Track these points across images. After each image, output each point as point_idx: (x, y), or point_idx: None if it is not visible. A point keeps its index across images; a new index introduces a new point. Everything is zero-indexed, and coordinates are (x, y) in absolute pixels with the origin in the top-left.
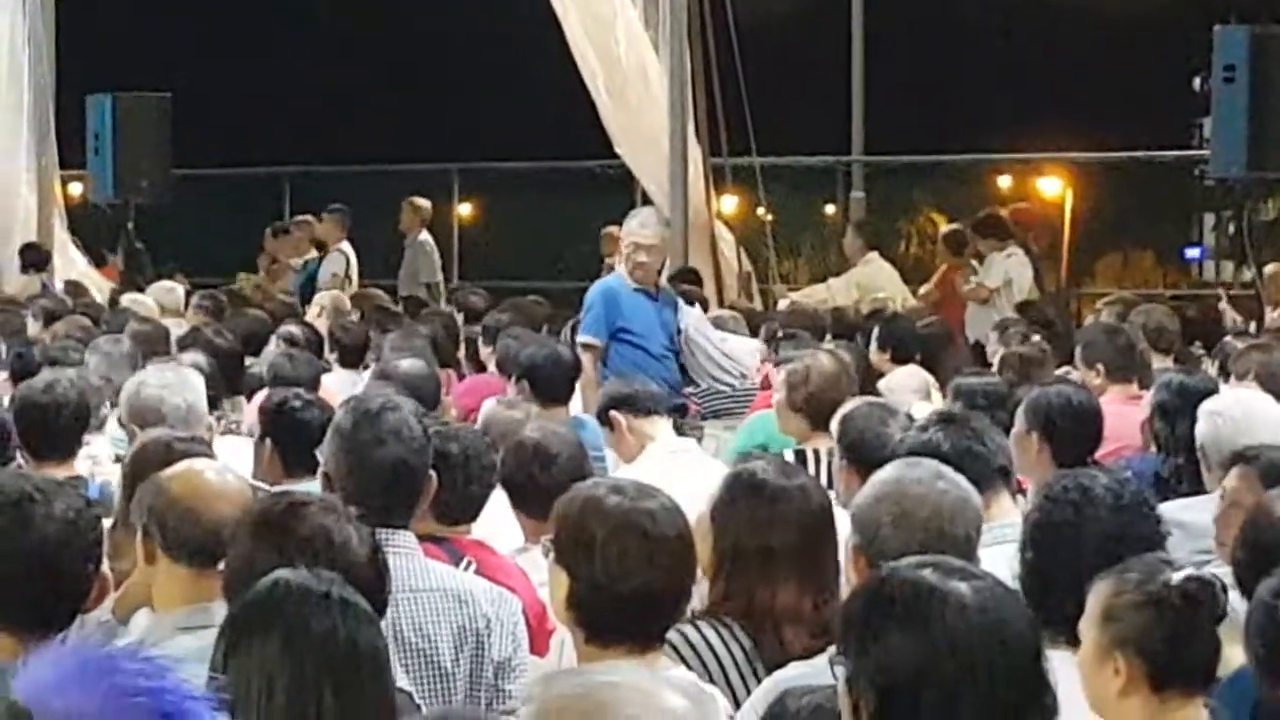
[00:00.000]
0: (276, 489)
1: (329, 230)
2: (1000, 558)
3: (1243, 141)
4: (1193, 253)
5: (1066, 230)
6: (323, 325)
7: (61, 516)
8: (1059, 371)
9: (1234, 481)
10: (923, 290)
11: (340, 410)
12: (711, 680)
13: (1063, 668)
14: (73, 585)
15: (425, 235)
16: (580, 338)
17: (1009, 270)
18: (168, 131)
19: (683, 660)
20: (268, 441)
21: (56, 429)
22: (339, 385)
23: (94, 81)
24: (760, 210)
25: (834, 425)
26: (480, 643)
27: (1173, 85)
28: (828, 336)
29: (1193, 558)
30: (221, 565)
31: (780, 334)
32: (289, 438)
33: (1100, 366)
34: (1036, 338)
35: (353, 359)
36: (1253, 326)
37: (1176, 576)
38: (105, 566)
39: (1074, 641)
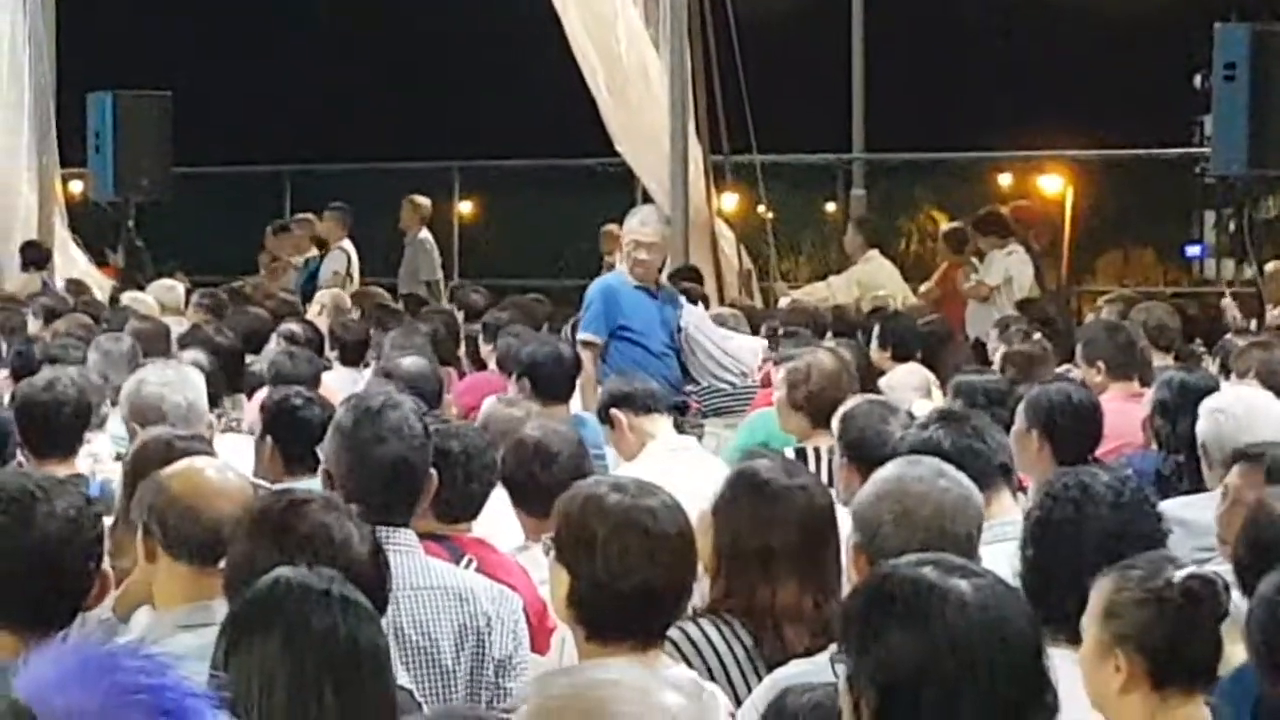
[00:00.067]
0: (277, 487)
1: (330, 228)
2: (1001, 555)
3: (1243, 139)
4: (1193, 250)
5: (1067, 228)
6: (323, 323)
7: (63, 514)
8: (1060, 369)
9: (1236, 479)
10: (924, 288)
11: (341, 408)
12: (712, 678)
13: (1063, 665)
14: (74, 583)
15: (425, 233)
16: (580, 335)
17: (1009, 268)
18: (168, 130)
19: (684, 658)
20: (269, 439)
21: (57, 427)
22: (339, 383)
23: (95, 80)
24: (761, 208)
25: (835, 423)
26: (481, 641)
27: (1173, 83)
28: (828, 334)
29: (1194, 555)
30: (222, 563)
31: (781, 332)
32: (290, 435)
33: (1101, 364)
34: (1037, 335)
35: (353, 357)
36: (1253, 324)
37: (1179, 574)
38: (106, 564)
39: (1075, 639)
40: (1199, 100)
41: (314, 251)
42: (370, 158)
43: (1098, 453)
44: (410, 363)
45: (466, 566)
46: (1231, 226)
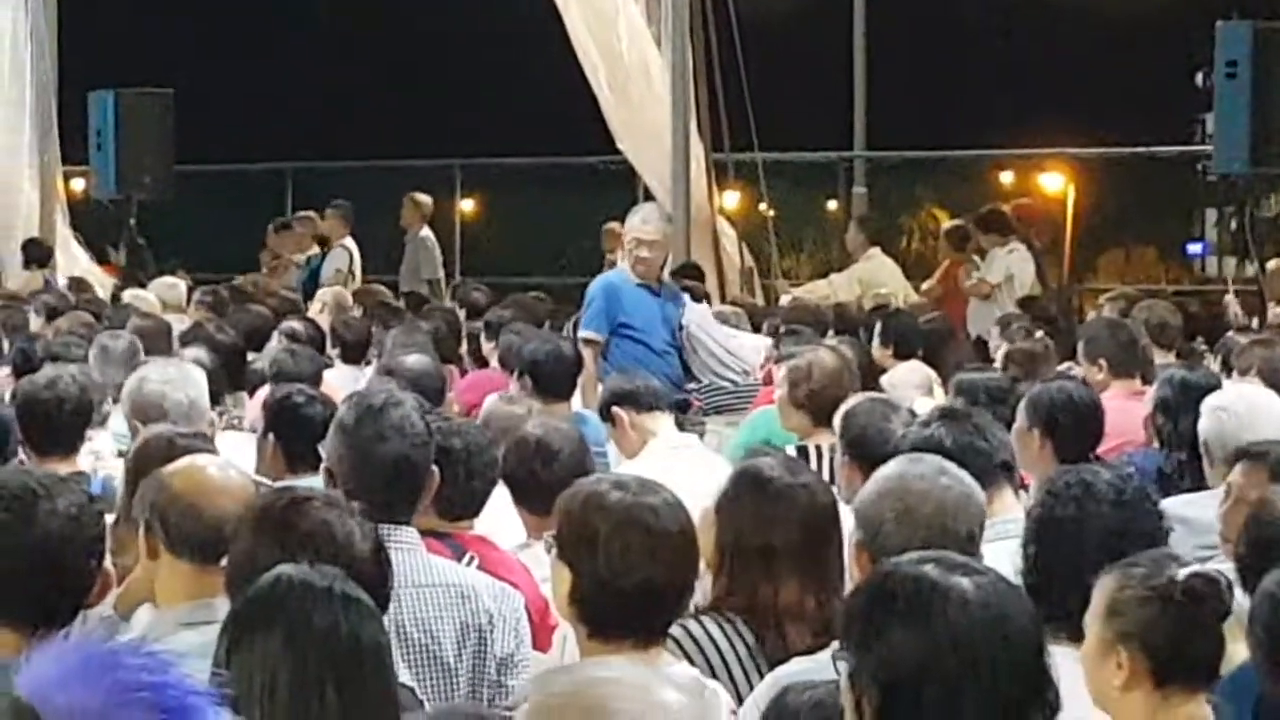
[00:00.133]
0: (279, 484)
1: (332, 226)
2: (1003, 553)
3: (1245, 137)
4: (1195, 248)
5: (1069, 226)
6: (325, 321)
7: (64, 512)
8: (1061, 367)
9: (1239, 477)
10: (925, 286)
11: (343, 406)
12: (714, 675)
13: (1065, 663)
14: (76, 581)
15: (426, 231)
16: (581, 333)
17: (1011, 266)
18: (170, 127)
19: (685, 655)
20: (271, 437)
21: (59, 425)
22: (341, 381)
23: (96, 77)
24: (762, 205)
25: (836, 421)
26: (483, 638)
27: (1175, 81)
28: (830, 332)
29: (1196, 553)
30: (224, 561)
31: (782, 330)
32: (292, 433)
33: (1103, 362)
34: (1039, 333)
35: (355, 355)
36: (1255, 322)
37: (1182, 573)
38: (108, 562)
39: (1076, 637)
40: (1201, 98)
41: (316, 249)
42: (372, 155)
43: (1099, 451)
44: (413, 360)
45: (468, 564)
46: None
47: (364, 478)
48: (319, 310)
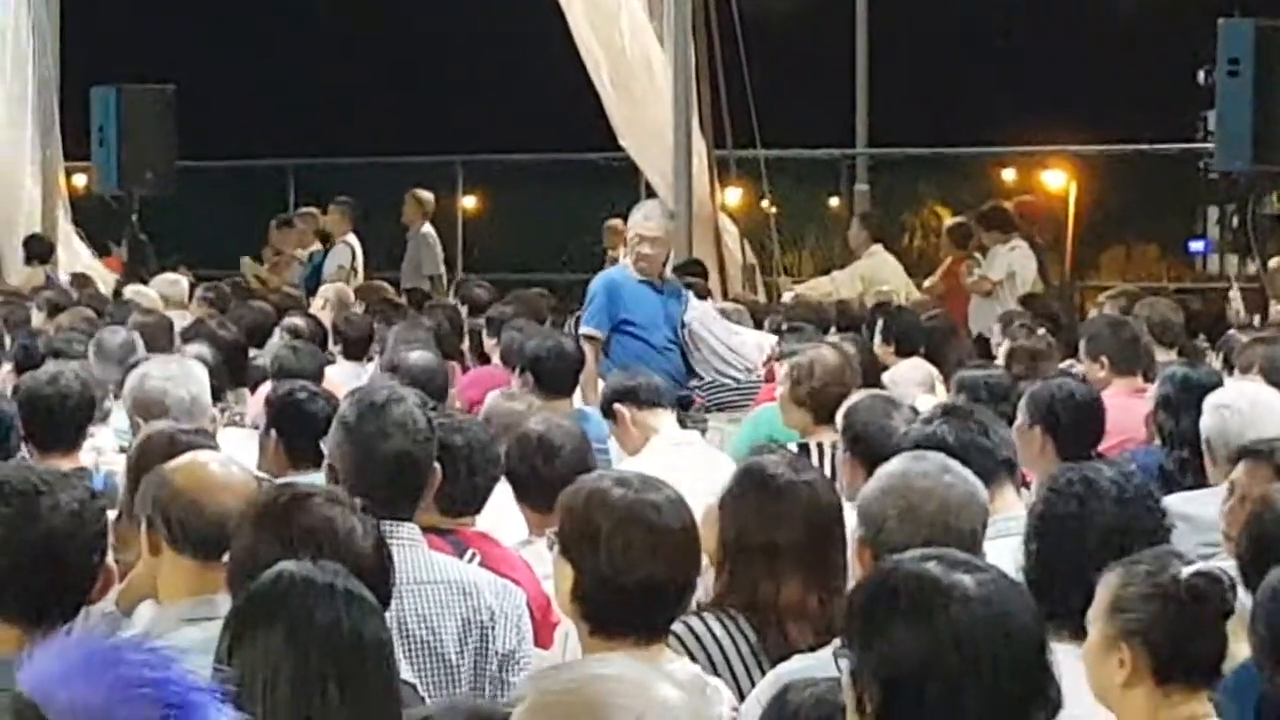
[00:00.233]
0: (281, 481)
1: (335, 222)
2: (1005, 551)
3: (1247, 135)
4: (1197, 246)
5: (1070, 223)
6: (327, 317)
7: (66, 508)
8: (1063, 365)
9: (1242, 475)
10: (928, 283)
11: (345, 402)
12: (716, 672)
13: (1067, 660)
14: (77, 577)
15: (428, 228)
16: (582, 329)
17: (1012, 263)
18: (172, 123)
19: (687, 652)
20: (273, 433)
21: (61, 420)
22: (343, 377)
23: (99, 73)
24: (764, 203)
25: (838, 418)
26: (484, 635)
27: (1177, 78)
28: (832, 329)
29: (1198, 550)
30: (225, 557)
31: (784, 326)
32: (294, 429)
33: (1104, 359)
34: (1041, 331)
35: (357, 351)
36: (1257, 320)
37: (1185, 571)
38: (110, 558)
39: (1079, 634)
40: (1202, 95)
41: (318, 246)
42: (374, 152)
43: (1101, 448)
44: (416, 357)
45: (470, 561)
46: (1235, 222)
47: (366, 474)
48: (321, 307)
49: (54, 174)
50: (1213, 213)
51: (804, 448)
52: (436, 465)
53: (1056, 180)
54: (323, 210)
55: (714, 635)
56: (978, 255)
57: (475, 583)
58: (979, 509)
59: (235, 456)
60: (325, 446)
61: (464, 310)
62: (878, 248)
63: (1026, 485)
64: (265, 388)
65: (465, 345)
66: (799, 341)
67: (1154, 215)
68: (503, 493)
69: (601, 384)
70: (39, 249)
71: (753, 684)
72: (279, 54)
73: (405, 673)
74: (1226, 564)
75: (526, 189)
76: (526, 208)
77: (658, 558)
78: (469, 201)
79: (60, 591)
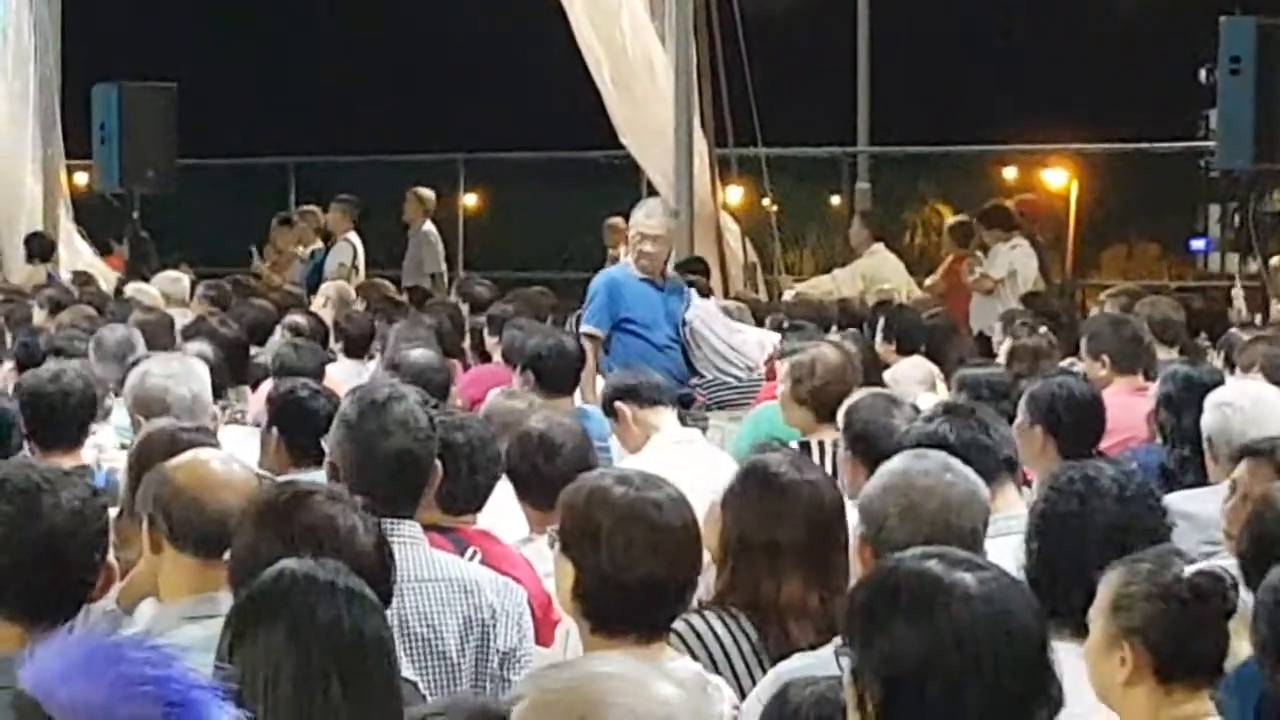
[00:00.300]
0: (282, 479)
1: (336, 220)
2: (1006, 549)
3: (1249, 133)
4: (1198, 244)
5: (1072, 222)
6: (328, 315)
7: (68, 506)
8: (1064, 363)
9: (1244, 474)
10: (929, 281)
11: (346, 400)
12: (717, 670)
13: (1068, 659)
14: (79, 575)
15: (429, 226)
16: (582, 328)
17: (1013, 261)
18: (173, 121)
19: (689, 650)
20: (274, 431)
21: (63, 418)
22: (344, 375)
23: (100, 71)
24: (765, 201)
25: (840, 416)
26: (485, 633)
27: (1178, 76)
28: (833, 327)
29: (1199, 548)
30: (227, 555)
31: (785, 325)
32: (296, 427)
33: (1106, 358)
34: (1042, 329)
35: (358, 349)
36: (1258, 318)
37: (1188, 570)
38: (111, 556)
39: (1080, 633)
40: (1204, 94)
41: (319, 244)
42: (375, 150)
43: (1102, 446)
44: (418, 355)
45: (471, 559)
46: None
47: (367, 472)
48: (322, 305)
49: (55, 172)
50: (1214, 211)
51: (805, 446)
52: (438, 463)
53: (1058, 179)
54: (324, 208)
55: (715, 633)
56: (979, 254)
57: (476, 581)
58: (980, 507)
59: (236, 454)
60: (326, 444)
61: (465, 308)
62: (879, 246)
63: (1028, 483)
64: (266, 385)
65: (466, 343)
66: (800, 340)
67: (1155, 214)
68: (504, 491)
69: (602, 382)
70: (40, 247)
71: (754, 682)
72: (280, 52)
73: (406, 671)
74: (1228, 562)
75: (528, 187)
76: (528, 206)
77: (659, 556)
78: (470, 200)
79: (61, 589)
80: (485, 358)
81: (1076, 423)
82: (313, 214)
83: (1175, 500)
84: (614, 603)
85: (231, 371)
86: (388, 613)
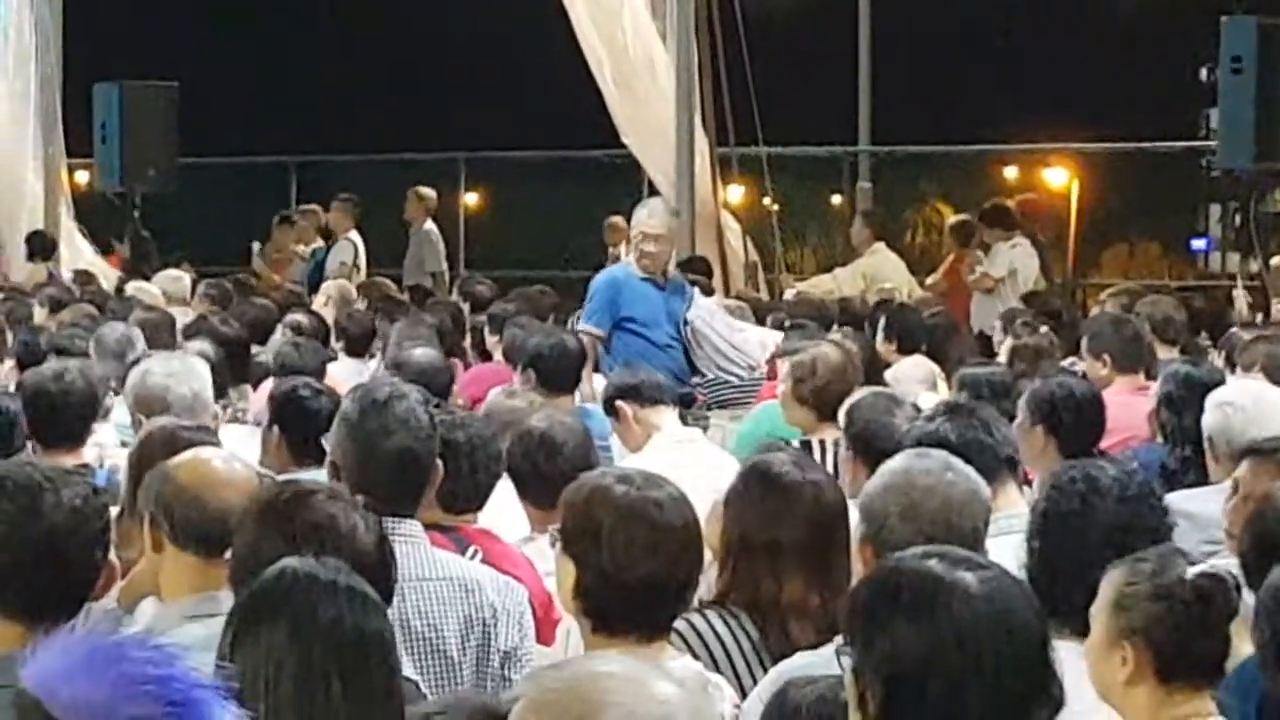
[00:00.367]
0: (283, 477)
1: (337, 219)
2: (1007, 548)
3: (1250, 133)
4: (1199, 244)
5: (1073, 221)
6: (329, 314)
7: (69, 505)
8: (1065, 362)
9: (1246, 474)
10: (930, 280)
11: (347, 399)
12: (718, 669)
13: (1069, 658)
14: (80, 573)
15: (430, 224)
16: (581, 326)
17: (1014, 260)
18: (174, 120)
19: (690, 649)
20: (275, 430)
21: (66, 417)
22: (345, 374)
23: (101, 70)
24: (766, 200)
25: (841, 416)
26: (486, 632)
27: (1179, 76)
28: (834, 326)
29: (1200, 548)
30: (228, 554)
31: (787, 324)
32: (297, 426)
33: (1107, 357)
34: (1043, 328)
35: (359, 348)
36: (1259, 318)
37: (1191, 571)
38: (112, 555)
39: (1081, 631)
40: (1205, 93)
41: (320, 243)
42: (376, 149)
43: (1103, 446)
44: (420, 354)
45: (472, 558)
46: (1237, 220)
47: (368, 471)
48: (323, 303)
49: (56, 171)
50: (1215, 210)
51: (806, 445)
52: (439, 462)
53: (1059, 178)
54: (325, 207)
55: (716, 633)
56: (979, 253)
57: (477, 580)
58: (981, 506)
59: (237, 453)
60: (327, 443)
61: (466, 307)
62: (880, 245)
63: (1028, 483)
64: (267, 384)
65: (467, 342)
66: (801, 339)
67: (1156, 213)
68: (504, 490)
69: (601, 380)
70: (41, 245)
71: (754, 681)
72: (281, 51)
73: (407, 669)
74: (1229, 562)
75: (529, 186)
76: (529, 205)
77: (659, 555)
78: (471, 198)
79: (62, 588)
80: (486, 356)
81: (1077, 422)
82: (314, 213)
83: (1176, 499)
84: (615, 602)
85: (232, 370)
86: (389, 611)
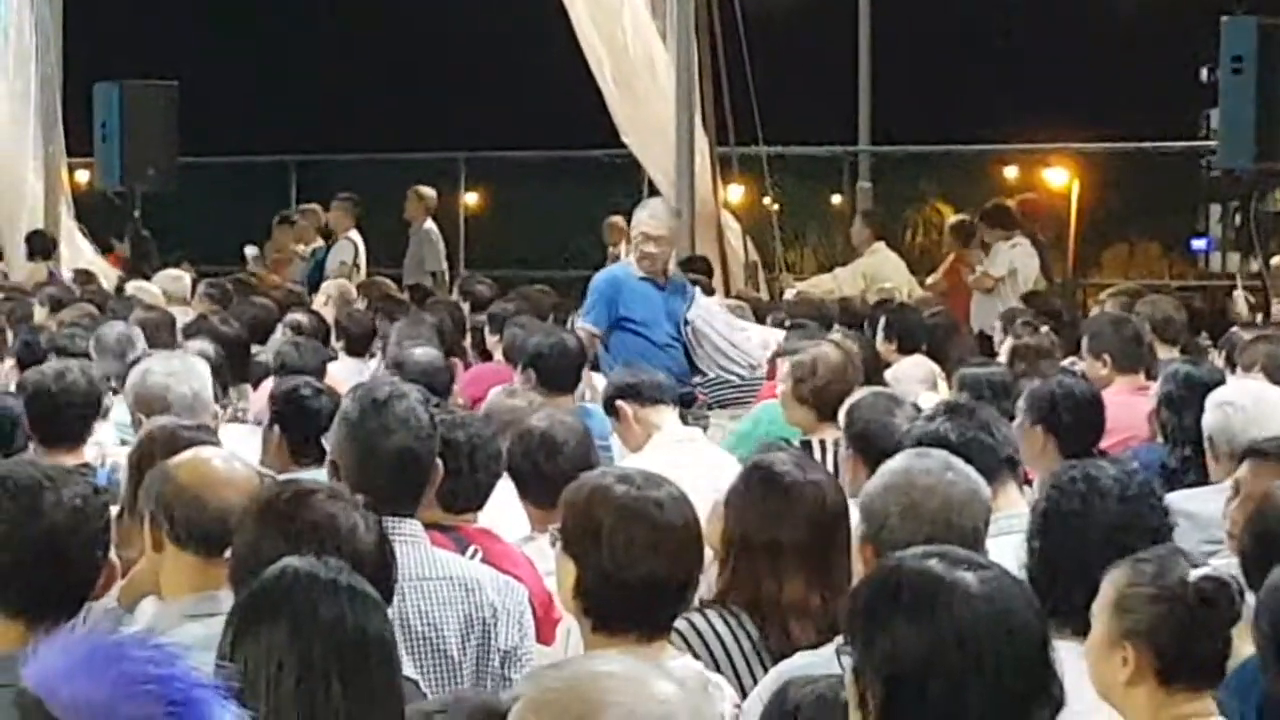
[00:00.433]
0: (283, 477)
1: (337, 218)
2: (1007, 548)
3: (1250, 132)
4: (1199, 244)
5: (1073, 221)
6: (329, 314)
7: (69, 504)
8: (1065, 362)
9: (1248, 474)
10: (930, 280)
11: (347, 398)
12: (718, 669)
13: (1070, 658)
14: (81, 573)
15: (430, 224)
16: (580, 324)
17: (1014, 260)
18: (174, 119)
19: (690, 649)
20: (276, 429)
21: (68, 417)
22: (345, 374)
23: (101, 69)
24: (767, 200)
25: (841, 415)
26: (487, 631)
27: (1180, 76)
28: (834, 326)
29: (1200, 547)
30: (228, 553)
31: (787, 324)
32: (297, 425)
33: (1107, 357)
34: (1044, 328)
35: (359, 347)
36: (1260, 318)
37: (1194, 575)
38: (113, 554)
39: (1081, 631)
40: (1205, 93)
41: (320, 242)
42: (376, 148)
43: (1103, 445)
44: (421, 353)
45: (472, 557)
46: (1237, 220)
47: (368, 470)
48: (323, 303)
49: (57, 170)
50: (1215, 210)
51: (806, 445)
52: (439, 461)
53: (1059, 178)
54: (325, 206)
55: (716, 632)
56: (979, 252)
57: (477, 579)
58: (981, 506)
59: (238, 453)
60: (328, 443)
61: (466, 307)
62: (880, 245)
63: (1028, 482)
64: (268, 384)
65: (467, 342)
66: (801, 339)
67: (1156, 213)
68: (505, 489)
69: (599, 379)
70: (41, 245)
71: (754, 681)
72: (281, 50)
73: (407, 669)
74: (1229, 561)
75: (529, 185)
76: (529, 204)
77: (660, 554)
78: (471, 198)
79: (63, 587)
80: (486, 356)
81: (1076, 422)
82: (314, 212)
83: (1176, 499)
84: (615, 601)
85: (233, 370)
86: (389, 611)
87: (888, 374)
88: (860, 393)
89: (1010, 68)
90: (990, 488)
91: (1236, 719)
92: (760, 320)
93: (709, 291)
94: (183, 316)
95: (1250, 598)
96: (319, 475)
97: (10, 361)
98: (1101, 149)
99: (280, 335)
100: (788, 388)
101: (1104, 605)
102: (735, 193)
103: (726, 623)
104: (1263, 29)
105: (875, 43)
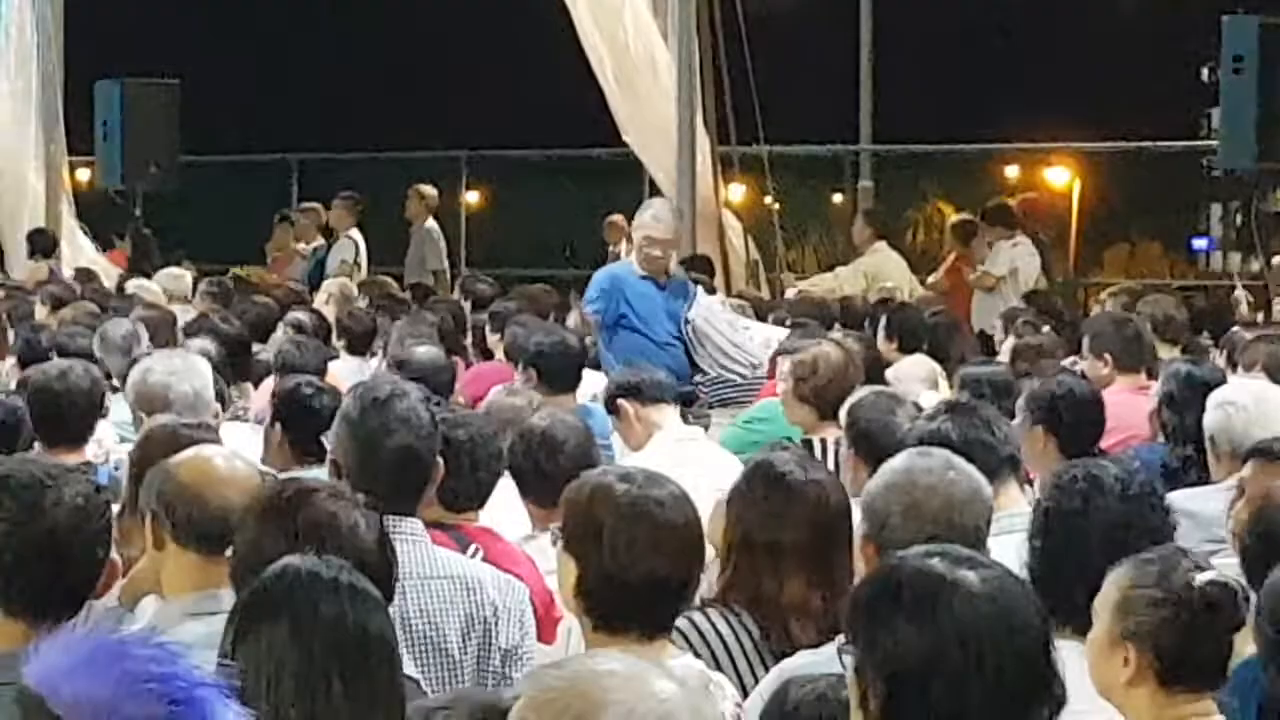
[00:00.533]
0: (285, 475)
1: (338, 217)
2: (1009, 547)
3: (1251, 132)
4: (1200, 243)
5: (1074, 220)
6: (330, 312)
7: (71, 502)
8: (1066, 362)
9: (1251, 474)
10: (931, 279)
11: (348, 397)
12: (719, 668)
13: (1071, 656)
14: (82, 571)
15: (431, 223)
16: (585, 307)
17: (1015, 259)
18: (175, 118)
19: (691, 648)
20: (277, 428)
21: (70, 416)
22: (346, 372)
23: (102, 68)
24: (768, 199)
25: (842, 414)
26: (487, 630)
27: (1181, 75)
28: (835, 325)
29: (1201, 547)
30: (229, 551)
31: (788, 323)
32: (298, 424)
33: (1108, 356)
34: (1045, 328)
35: (360, 346)
36: (1260, 317)
37: (1199, 578)
38: (114, 552)
39: (1082, 630)
40: (1206, 93)
41: (321, 241)
42: (377, 147)
43: (1105, 445)
44: (423, 352)
45: (473, 556)
46: (1238, 219)
47: (369, 469)
48: (324, 301)
49: (58, 168)
50: (1216, 210)
51: (808, 444)
52: (440, 460)
53: (1060, 177)
54: (326, 205)
55: (717, 631)
56: (982, 250)
57: (478, 578)
58: (983, 505)
59: (239, 451)
60: (329, 441)
61: (467, 305)
62: (881, 244)
63: (1030, 482)
64: (269, 383)
65: (468, 341)
66: (802, 338)
67: (1157, 212)
68: (506, 488)
69: (599, 377)
70: (43, 243)
71: (755, 680)
72: (282, 49)
73: (408, 668)
74: (1230, 561)
75: (530, 184)
76: (530, 203)
77: (661, 553)
78: (472, 197)
79: (64, 586)
80: (487, 355)
81: (1077, 422)
82: (315, 211)
83: (1177, 499)
84: (616, 600)
85: (234, 368)
86: (390, 610)
87: (889, 373)
88: (861, 392)
89: (1011, 67)
90: (992, 487)
91: (1236, 718)
92: (761, 319)
93: (710, 290)
94: (184, 315)
95: (1251, 596)
96: (320, 474)
97: (11, 360)
98: (1103, 148)
99: (281, 334)
100: (789, 387)
101: (1106, 605)
102: (736, 192)
103: (728, 622)
104: (1264, 28)
105: (877, 42)
